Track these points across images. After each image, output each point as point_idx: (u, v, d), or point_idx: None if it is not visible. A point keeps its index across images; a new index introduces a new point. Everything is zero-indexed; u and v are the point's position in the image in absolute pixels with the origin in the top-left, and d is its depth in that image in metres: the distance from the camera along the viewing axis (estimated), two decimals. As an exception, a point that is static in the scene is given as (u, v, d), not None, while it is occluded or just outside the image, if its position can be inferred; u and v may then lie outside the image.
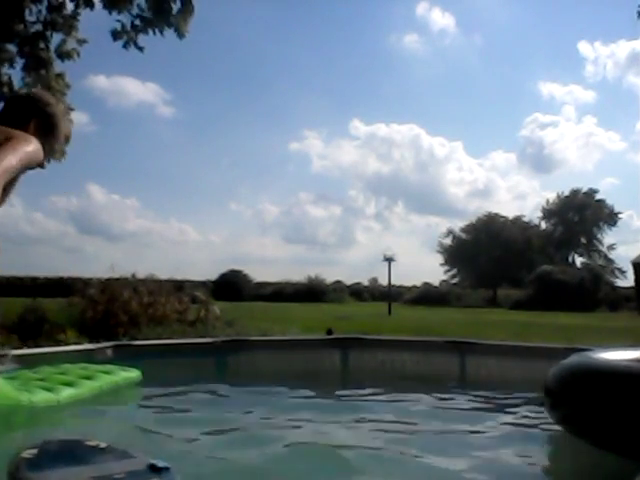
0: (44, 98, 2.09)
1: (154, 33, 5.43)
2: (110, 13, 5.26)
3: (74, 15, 5.38)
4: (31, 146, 1.84)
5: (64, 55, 5.44)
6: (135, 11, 5.35)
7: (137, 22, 5.36)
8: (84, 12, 5.39)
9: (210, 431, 4.22)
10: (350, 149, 61.80)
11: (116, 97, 54.74)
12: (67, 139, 2.15)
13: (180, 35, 5.40)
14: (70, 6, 5.43)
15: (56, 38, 5.44)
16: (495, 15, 55.74)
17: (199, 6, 5.64)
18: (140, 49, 5.44)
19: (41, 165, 1.94)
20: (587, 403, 3.51)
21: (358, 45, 56.52)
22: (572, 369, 3.81)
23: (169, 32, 5.43)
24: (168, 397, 5.49)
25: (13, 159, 1.74)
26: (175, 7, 5.37)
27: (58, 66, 5.49)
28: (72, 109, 5.67)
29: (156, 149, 53.27)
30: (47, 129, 2.03)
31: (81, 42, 5.52)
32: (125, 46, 5.38)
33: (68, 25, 5.36)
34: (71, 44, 5.47)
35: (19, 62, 5.39)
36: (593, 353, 4.11)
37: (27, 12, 5.25)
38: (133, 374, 5.81)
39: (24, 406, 4.50)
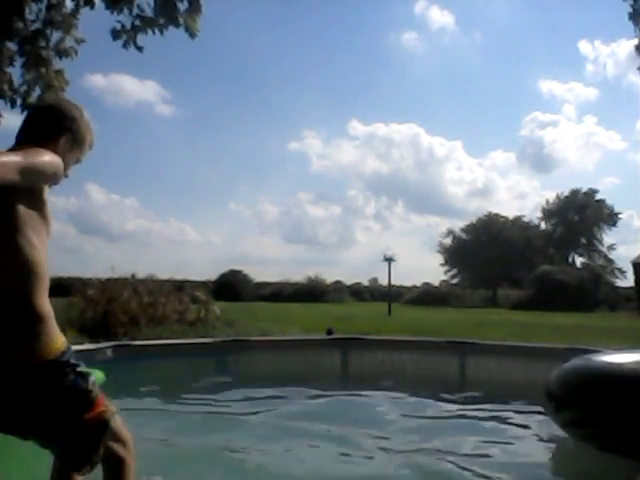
0: (70, 113, 2.05)
1: (153, 33, 5.40)
2: (112, 13, 5.23)
3: (73, 13, 5.37)
4: (45, 157, 1.80)
5: (62, 53, 5.43)
6: (136, 11, 5.32)
7: (137, 22, 5.33)
8: (83, 11, 5.38)
9: (203, 431, 4.20)
10: (349, 149, 61.87)
11: (114, 96, 54.88)
12: (90, 147, 2.15)
13: (191, 35, 5.39)
14: (70, 5, 5.41)
15: (55, 36, 5.43)
16: (494, 13, 55.95)
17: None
18: (139, 49, 5.40)
19: (57, 180, 1.90)
20: (597, 407, 3.42)
21: (357, 44, 56.80)
22: (578, 372, 3.73)
23: (168, 32, 5.41)
24: (163, 397, 5.47)
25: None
26: (182, 6, 5.33)
27: (57, 63, 5.48)
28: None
29: (155, 148, 53.48)
30: (74, 144, 2.05)
31: (79, 41, 5.50)
32: (125, 46, 5.35)
33: (67, 23, 5.35)
34: (69, 42, 5.45)
35: (18, 60, 5.37)
36: (597, 356, 4.02)
37: (27, 10, 5.24)
38: (96, 375, 5.74)
39: None
